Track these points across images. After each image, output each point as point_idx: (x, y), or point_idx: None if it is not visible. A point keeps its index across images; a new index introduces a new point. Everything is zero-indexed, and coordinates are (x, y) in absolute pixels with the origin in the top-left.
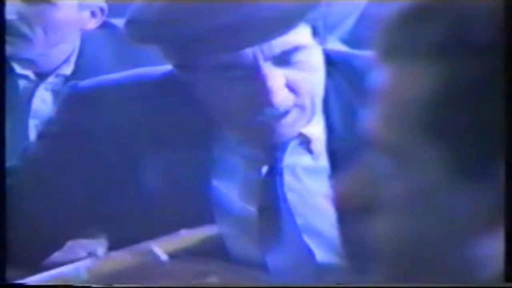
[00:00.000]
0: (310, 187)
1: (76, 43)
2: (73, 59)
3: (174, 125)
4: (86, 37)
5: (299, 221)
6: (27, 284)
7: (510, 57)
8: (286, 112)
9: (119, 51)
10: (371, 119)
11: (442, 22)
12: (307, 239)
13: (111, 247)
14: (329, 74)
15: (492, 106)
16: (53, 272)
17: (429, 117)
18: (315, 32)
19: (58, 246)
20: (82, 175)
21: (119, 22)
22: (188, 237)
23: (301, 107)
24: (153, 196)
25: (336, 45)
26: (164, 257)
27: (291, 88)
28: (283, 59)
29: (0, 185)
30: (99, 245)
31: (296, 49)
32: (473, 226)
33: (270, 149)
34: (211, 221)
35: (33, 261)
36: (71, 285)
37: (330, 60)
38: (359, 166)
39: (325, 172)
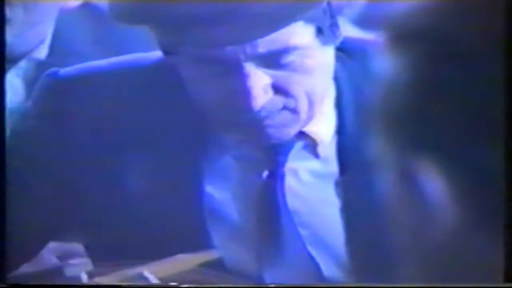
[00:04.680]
0: (316, 194)
1: (52, 23)
2: (47, 42)
3: (164, 120)
4: (62, 18)
5: (304, 231)
6: (27, 284)
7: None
8: (270, 114)
9: (98, 34)
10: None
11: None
12: (312, 252)
13: (92, 258)
14: (342, 64)
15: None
16: None
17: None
18: (319, 32)
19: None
20: (59, 175)
21: (100, 2)
22: (184, 262)
23: (292, 110)
24: (140, 203)
25: (346, 27)
26: (155, 281)
27: (280, 90)
28: (271, 60)
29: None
30: (82, 268)
31: (287, 50)
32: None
33: (270, 152)
34: (205, 234)
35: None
36: (72, 285)
37: (343, 49)
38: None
39: (334, 178)
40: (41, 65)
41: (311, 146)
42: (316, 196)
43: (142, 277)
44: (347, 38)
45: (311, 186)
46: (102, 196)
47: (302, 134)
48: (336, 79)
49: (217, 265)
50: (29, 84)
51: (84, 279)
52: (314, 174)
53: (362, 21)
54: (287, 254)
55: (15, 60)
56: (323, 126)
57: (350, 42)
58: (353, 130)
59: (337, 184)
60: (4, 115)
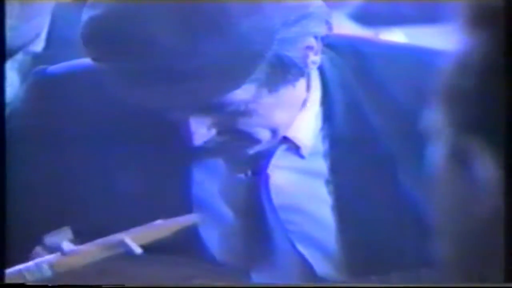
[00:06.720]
0: (305, 192)
1: (49, 16)
2: (44, 34)
3: (152, 116)
4: (58, 11)
5: (293, 228)
6: (27, 284)
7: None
8: (221, 145)
9: None
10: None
11: None
12: (303, 250)
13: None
14: (332, 63)
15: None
16: (10, 271)
17: None
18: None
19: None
20: (49, 172)
21: None
22: (164, 227)
23: (250, 140)
24: (128, 194)
25: (343, 22)
26: (138, 250)
27: (227, 130)
28: (215, 110)
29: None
30: (64, 238)
31: (232, 103)
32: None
33: (252, 155)
34: (194, 231)
35: None
36: (71, 285)
37: (333, 47)
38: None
39: (323, 176)
40: (37, 58)
41: (294, 149)
42: (304, 193)
43: (123, 244)
44: (337, 35)
45: (301, 184)
46: (93, 192)
47: (284, 139)
48: (323, 76)
49: (207, 255)
50: (25, 77)
51: (66, 247)
52: (303, 172)
53: (359, 17)
54: (275, 253)
55: (11, 54)
56: (305, 131)
57: (340, 39)
58: (342, 127)
59: (328, 182)
60: (4, 111)
